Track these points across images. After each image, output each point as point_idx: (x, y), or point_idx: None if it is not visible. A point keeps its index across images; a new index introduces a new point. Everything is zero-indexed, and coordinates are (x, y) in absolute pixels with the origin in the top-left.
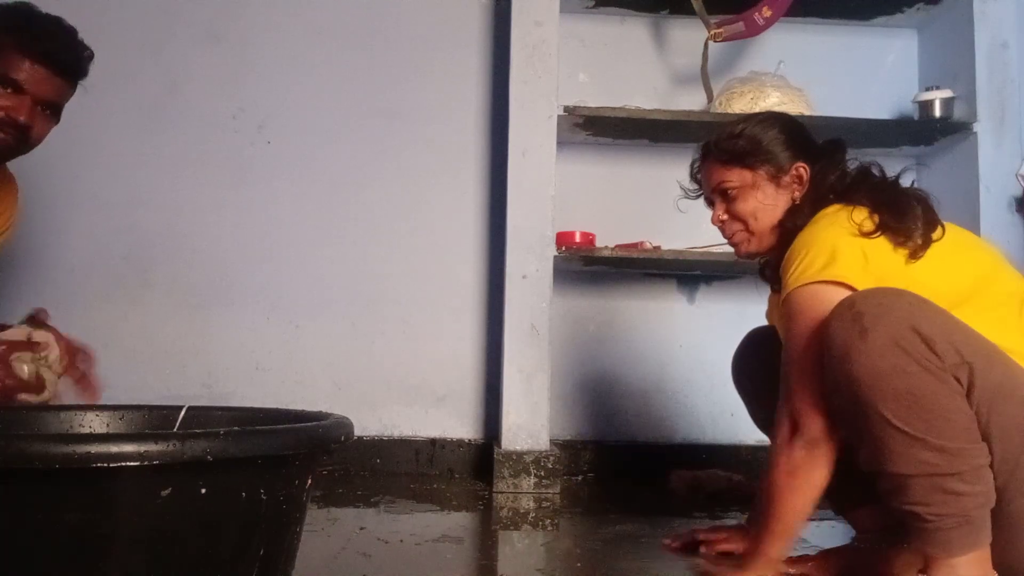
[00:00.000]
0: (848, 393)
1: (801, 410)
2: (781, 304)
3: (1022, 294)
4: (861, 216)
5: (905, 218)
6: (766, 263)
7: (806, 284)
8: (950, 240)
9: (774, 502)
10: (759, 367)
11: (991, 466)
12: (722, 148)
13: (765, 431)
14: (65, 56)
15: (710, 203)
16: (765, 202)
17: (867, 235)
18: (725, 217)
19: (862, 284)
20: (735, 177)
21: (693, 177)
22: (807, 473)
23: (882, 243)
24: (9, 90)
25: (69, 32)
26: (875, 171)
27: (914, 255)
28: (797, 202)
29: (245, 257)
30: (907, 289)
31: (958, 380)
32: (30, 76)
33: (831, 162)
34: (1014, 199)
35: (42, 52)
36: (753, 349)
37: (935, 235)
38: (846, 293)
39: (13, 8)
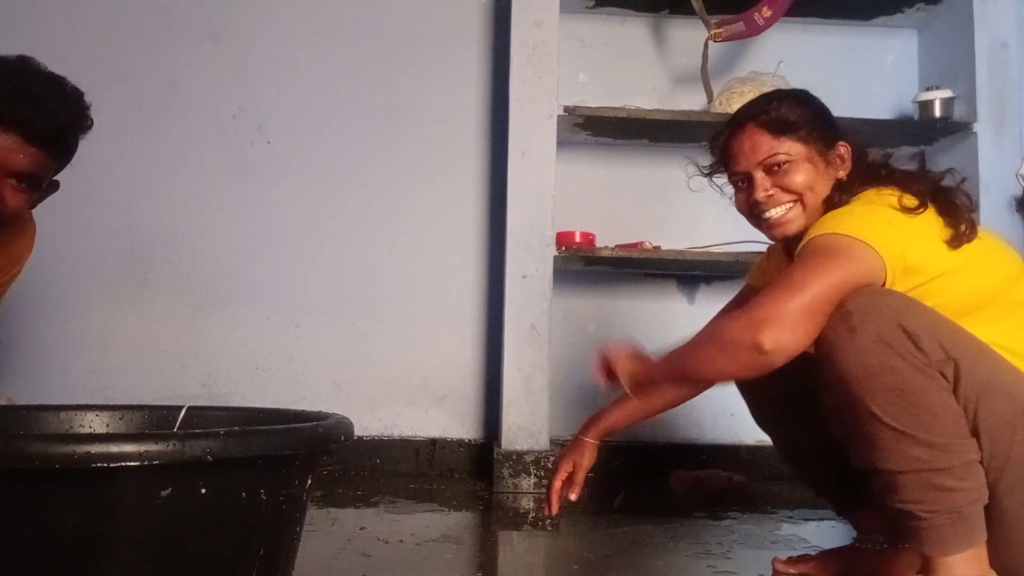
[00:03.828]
0: (839, 391)
1: (784, 325)
2: (798, 251)
3: None
4: (909, 199)
5: (955, 210)
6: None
7: (841, 232)
8: (984, 240)
9: (689, 355)
10: (774, 380)
11: (981, 463)
12: (772, 117)
13: (766, 429)
14: (43, 124)
15: (741, 179)
16: (818, 176)
17: (909, 211)
18: (773, 191)
19: (891, 257)
20: (787, 148)
21: (720, 149)
22: (727, 365)
23: (924, 224)
24: None
25: (64, 97)
26: (920, 162)
27: (953, 242)
28: (844, 179)
29: (245, 257)
30: (935, 276)
31: (944, 376)
32: None
33: (867, 143)
34: (1014, 199)
35: (14, 118)
36: None
37: (975, 232)
38: (874, 256)
39: (3, 62)
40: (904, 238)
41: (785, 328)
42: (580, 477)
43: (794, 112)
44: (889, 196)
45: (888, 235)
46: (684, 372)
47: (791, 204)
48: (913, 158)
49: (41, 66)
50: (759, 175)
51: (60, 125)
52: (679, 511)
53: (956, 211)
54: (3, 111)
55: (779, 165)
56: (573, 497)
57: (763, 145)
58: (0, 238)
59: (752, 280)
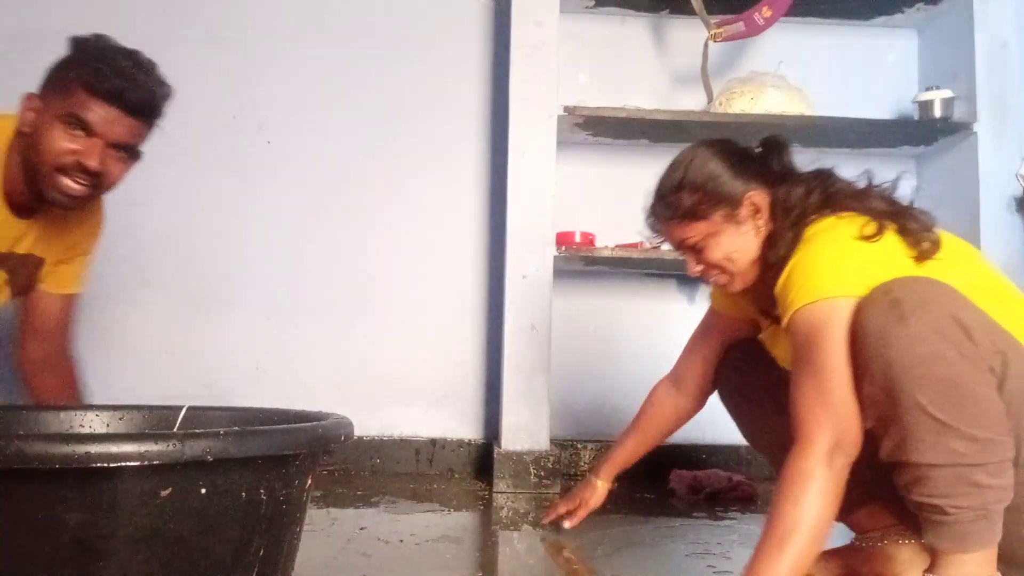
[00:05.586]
0: (882, 380)
1: (845, 424)
2: (786, 327)
3: (1019, 298)
4: (859, 223)
5: (913, 232)
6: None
7: (816, 300)
8: (949, 247)
9: (814, 529)
10: (748, 382)
11: (1015, 462)
12: (668, 207)
13: (756, 445)
14: (137, 96)
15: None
16: (732, 244)
17: (869, 239)
18: (700, 268)
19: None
20: (692, 231)
21: (652, 229)
22: (836, 496)
23: (888, 247)
24: (79, 132)
25: (145, 68)
26: (868, 180)
27: (919, 259)
28: (768, 231)
29: (245, 257)
30: None
31: (992, 371)
32: (100, 117)
33: (786, 176)
34: (1014, 199)
35: (112, 91)
36: (735, 364)
37: (938, 247)
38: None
39: (86, 41)
40: (873, 268)
41: (842, 432)
42: (582, 514)
43: (687, 198)
44: (848, 225)
45: (858, 276)
46: (812, 544)
47: (718, 273)
48: (862, 176)
49: (118, 43)
50: (685, 254)
51: (152, 94)
52: (679, 511)
53: (914, 233)
54: (103, 86)
55: (693, 247)
56: (567, 525)
57: (673, 234)
58: (60, 220)
59: (716, 305)
